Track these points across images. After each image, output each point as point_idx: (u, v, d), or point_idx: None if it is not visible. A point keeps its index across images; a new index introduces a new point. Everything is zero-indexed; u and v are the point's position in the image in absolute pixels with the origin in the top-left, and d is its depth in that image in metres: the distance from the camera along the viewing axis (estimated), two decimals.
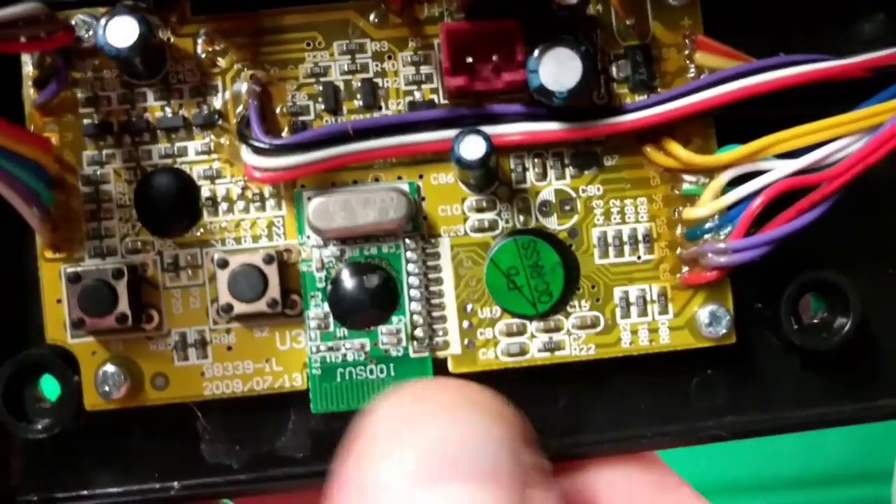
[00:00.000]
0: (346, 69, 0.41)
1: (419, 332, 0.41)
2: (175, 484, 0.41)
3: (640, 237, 0.41)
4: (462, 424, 0.34)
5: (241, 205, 0.41)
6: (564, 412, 0.42)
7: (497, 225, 0.41)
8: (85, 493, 0.42)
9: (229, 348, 0.41)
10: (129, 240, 0.41)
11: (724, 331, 0.41)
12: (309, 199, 0.40)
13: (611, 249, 0.41)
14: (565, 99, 0.38)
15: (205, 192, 0.41)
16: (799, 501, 0.85)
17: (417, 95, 0.41)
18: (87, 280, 0.40)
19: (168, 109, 0.41)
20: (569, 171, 0.41)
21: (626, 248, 0.41)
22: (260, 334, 0.41)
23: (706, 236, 0.41)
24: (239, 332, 0.41)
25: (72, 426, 0.41)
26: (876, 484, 0.82)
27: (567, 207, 0.41)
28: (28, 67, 0.41)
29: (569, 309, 0.41)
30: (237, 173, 0.41)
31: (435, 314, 0.41)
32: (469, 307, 0.41)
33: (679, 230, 0.41)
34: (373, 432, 0.34)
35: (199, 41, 0.41)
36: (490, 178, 0.41)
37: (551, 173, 0.41)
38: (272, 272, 0.40)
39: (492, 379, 0.41)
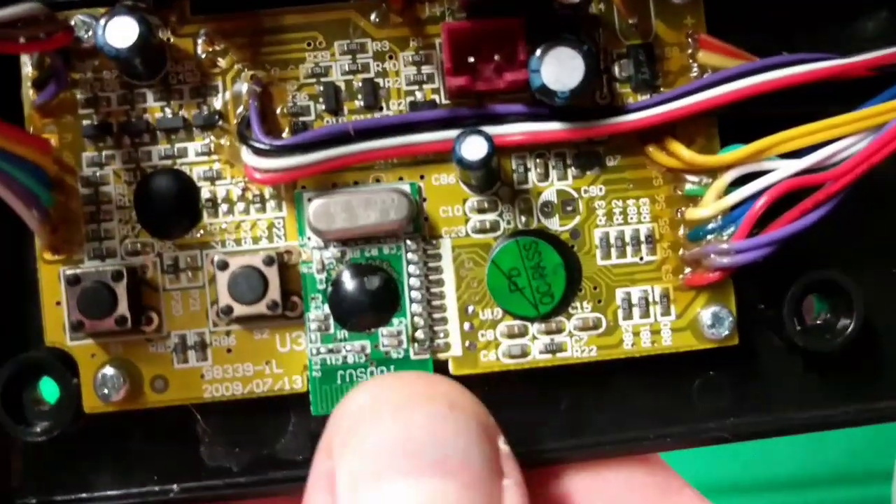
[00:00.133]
0: (347, 69, 0.41)
1: (420, 334, 0.41)
2: (174, 487, 0.41)
3: (642, 238, 0.41)
4: (423, 418, 0.35)
5: (241, 206, 0.41)
6: (566, 414, 0.42)
7: (498, 226, 0.41)
8: (84, 495, 0.41)
9: (229, 350, 0.41)
10: (128, 241, 0.41)
11: (726, 332, 0.41)
12: (309, 200, 0.40)
13: (613, 250, 0.41)
14: (567, 99, 0.38)
15: (205, 194, 0.41)
16: (799, 502, 0.85)
17: (419, 95, 0.41)
18: (87, 282, 0.40)
19: (168, 110, 0.41)
20: (571, 171, 0.41)
21: (629, 249, 0.41)
22: (260, 336, 0.41)
23: (709, 237, 0.41)
24: (239, 335, 0.41)
25: (71, 429, 0.41)
26: (876, 484, 0.82)
27: (569, 208, 0.41)
28: (27, 68, 0.41)
29: (570, 310, 0.41)
30: (237, 174, 0.41)
31: (436, 316, 0.41)
32: (470, 309, 0.41)
33: (682, 231, 0.41)
34: (338, 428, 0.35)
35: (200, 41, 0.41)
36: (492, 179, 0.41)
37: (553, 174, 0.41)
38: (272, 274, 0.40)
39: (493, 381, 0.41)
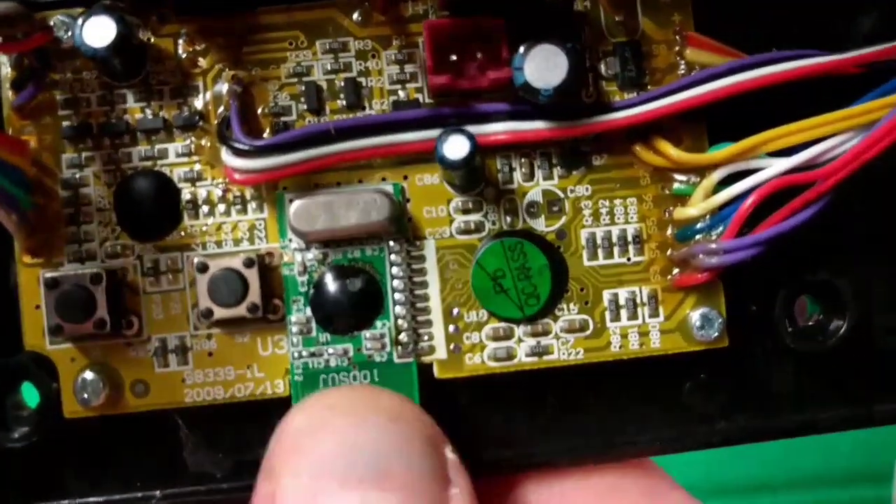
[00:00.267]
0: (328, 68, 0.41)
1: (404, 337, 0.40)
2: (157, 493, 0.40)
3: (629, 238, 0.40)
4: (364, 432, 0.34)
5: (222, 207, 0.40)
6: (553, 418, 0.41)
7: (483, 226, 0.40)
8: (65, 502, 0.41)
9: (210, 354, 0.40)
10: (108, 244, 0.40)
11: (716, 334, 0.40)
12: (291, 201, 0.39)
13: (600, 251, 0.40)
14: (551, 96, 0.37)
15: (185, 195, 0.40)
16: (798, 502, 0.84)
17: (402, 94, 0.41)
18: (65, 285, 0.39)
19: (148, 111, 0.41)
20: (557, 170, 0.41)
21: (616, 250, 0.40)
22: (241, 340, 0.40)
23: (697, 237, 0.40)
24: (220, 338, 0.40)
25: (51, 434, 0.40)
26: (876, 485, 0.81)
27: (555, 208, 0.41)
28: (5, 69, 0.40)
29: (557, 312, 0.40)
30: (218, 175, 0.40)
31: (420, 318, 0.40)
32: (455, 311, 0.40)
33: (670, 231, 0.41)
34: (279, 448, 0.35)
35: (180, 41, 0.41)
36: (475, 179, 0.40)
37: (539, 173, 0.41)
38: (252, 276, 0.39)
39: (478, 384, 0.41)
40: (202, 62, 0.41)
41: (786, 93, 0.40)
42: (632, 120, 0.39)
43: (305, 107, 0.40)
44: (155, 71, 0.41)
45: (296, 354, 0.40)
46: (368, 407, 0.36)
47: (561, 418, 0.41)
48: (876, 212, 0.42)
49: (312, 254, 0.40)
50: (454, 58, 0.39)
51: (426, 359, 0.40)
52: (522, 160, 0.41)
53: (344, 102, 0.40)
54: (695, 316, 0.40)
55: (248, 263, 0.39)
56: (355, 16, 0.41)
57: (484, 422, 0.41)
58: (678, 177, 0.40)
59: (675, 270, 0.40)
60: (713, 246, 0.39)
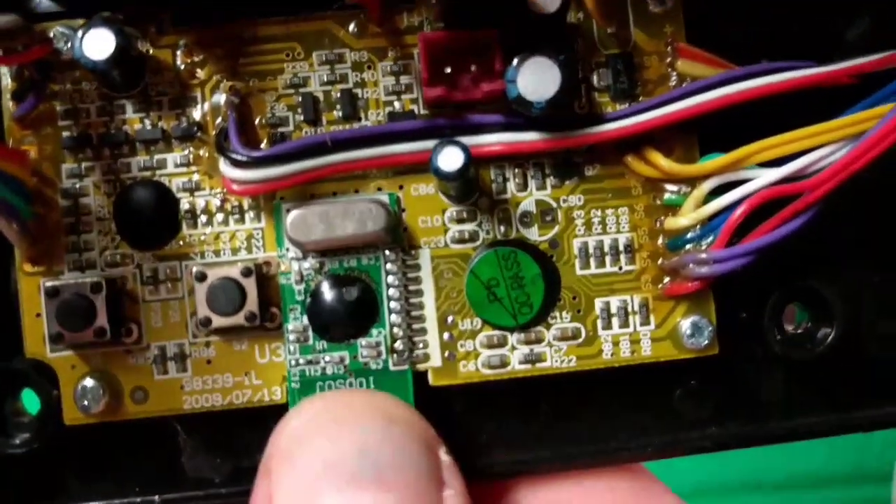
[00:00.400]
0: (325, 80, 0.41)
1: (399, 345, 0.41)
2: (156, 498, 0.41)
3: (621, 247, 0.41)
4: (360, 433, 0.35)
5: (220, 217, 0.41)
6: (546, 424, 0.42)
7: (477, 236, 0.41)
8: None
9: (209, 362, 0.41)
10: (108, 253, 0.41)
11: (706, 342, 0.40)
12: (288, 210, 0.40)
13: (592, 260, 0.41)
14: (543, 109, 0.38)
15: (184, 205, 0.41)
16: (798, 502, 0.85)
17: (397, 105, 0.41)
18: (66, 294, 0.40)
19: (147, 122, 0.41)
20: (549, 181, 0.41)
21: (608, 259, 0.41)
22: (239, 347, 0.41)
23: (688, 246, 0.40)
24: (218, 346, 0.41)
25: (52, 441, 0.41)
26: (876, 485, 0.82)
27: (548, 218, 0.41)
28: (6, 80, 0.41)
29: (550, 320, 0.41)
30: (216, 185, 0.41)
31: (415, 326, 0.41)
32: (449, 319, 0.41)
33: (661, 240, 0.41)
34: (276, 448, 0.36)
35: (178, 53, 0.41)
36: (470, 189, 0.41)
37: (532, 183, 0.41)
38: (250, 285, 0.40)
39: (473, 391, 0.41)
40: (200, 73, 0.41)
41: (777, 103, 0.40)
42: (623, 132, 0.40)
43: (302, 118, 0.41)
44: (154, 82, 0.41)
45: (293, 362, 0.40)
46: (364, 409, 0.37)
47: (554, 425, 0.42)
48: (864, 220, 0.42)
49: (309, 263, 0.41)
50: (449, 70, 0.39)
51: (421, 366, 0.41)
52: (516, 170, 0.41)
53: (340, 113, 0.41)
54: (685, 324, 0.41)
55: (246, 273, 0.40)
56: (351, 27, 0.41)
57: (478, 428, 0.41)
58: (669, 187, 0.41)
59: (666, 279, 0.41)
60: (703, 256, 0.39)
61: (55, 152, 0.41)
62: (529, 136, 0.40)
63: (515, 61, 0.38)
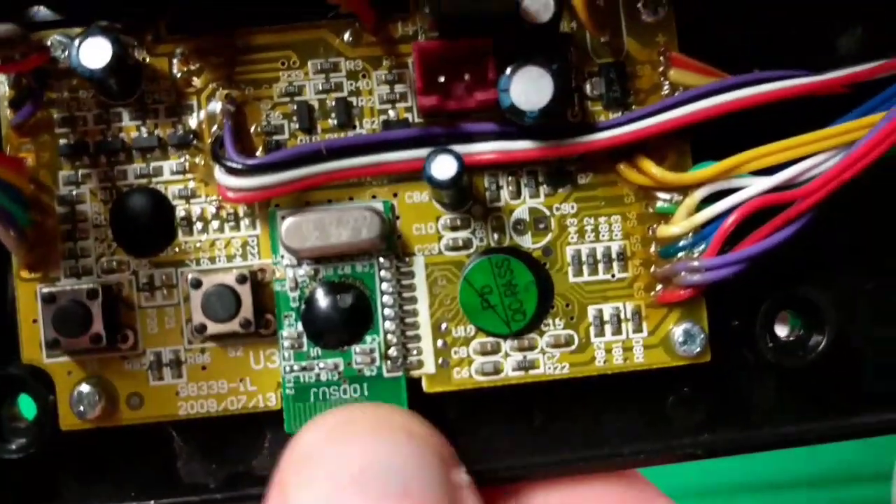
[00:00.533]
0: (320, 88, 0.41)
1: (393, 352, 0.41)
2: (151, 502, 0.41)
3: (614, 255, 0.41)
4: (382, 447, 0.35)
5: (215, 224, 0.41)
6: (539, 430, 0.42)
7: (471, 243, 0.41)
8: None
9: (204, 368, 0.41)
10: (104, 259, 0.41)
11: (698, 349, 0.41)
12: (283, 218, 0.40)
13: (585, 267, 0.41)
14: (536, 118, 0.38)
15: (180, 212, 0.41)
16: (798, 502, 0.85)
17: (392, 114, 0.41)
18: (62, 300, 0.40)
19: (143, 129, 0.41)
20: (543, 189, 0.41)
21: (601, 266, 0.41)
22: (234, 354, 0.41)
23: (680, 254, 0.41)
24: (213, 352, 0.41)
25: (48, 446, 0.41)
26: (876, 484, 0.82)
27: (541, 225, 0.41)
28: (4, 88, 0.41)
29: (543, 327, 0.41)
30: (212, 193, 0.41)
31: (409, 333, 0.41)
32: (443, 326, 0.41)
33: (653, 248, 0.41)
34: (292, 462, 0.36)
35: (175, 61, 0.41)
36: (463, 197, 0.41)
37: (525, 191, 0.41)
38: (245, 292, 0.40)
39: (466, 397, 0.41)
40: (196, 81, 0.41)
41: (769, 111, 0.40)
42: (616, 140, 0.40)
43: (297, 126, 0.41)
44: (150, 90, 0.41)
45: (287, 368, 0.41)
46: (384, 423, 0.37)
47: (547, 431, 0.42)
48: (855, 228, 0.42)
49: (304, 270, 0.41)
50: (442, 79, 0.40)
51: (415, 373, 0.41)
52: (509, 178, 0.41)
53: (335, 122, 0.41)
54: (678, 331, 0.41)
55: (241, 280, 0.40)
56: (346, 36, 0.41)
57: (472, 435, 0.42)
58: (661, 195, 0.41)
59: (659, 287, 0.41)
60: (695, 264, 0.40)
61: (52, 159, 0.41)
62: (523, 145, 0.40)
63: (508, 71, 0.38)
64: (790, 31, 0.42)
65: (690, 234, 0.40)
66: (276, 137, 0.41)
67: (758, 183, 0.40)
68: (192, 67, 0.41)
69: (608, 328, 0.41)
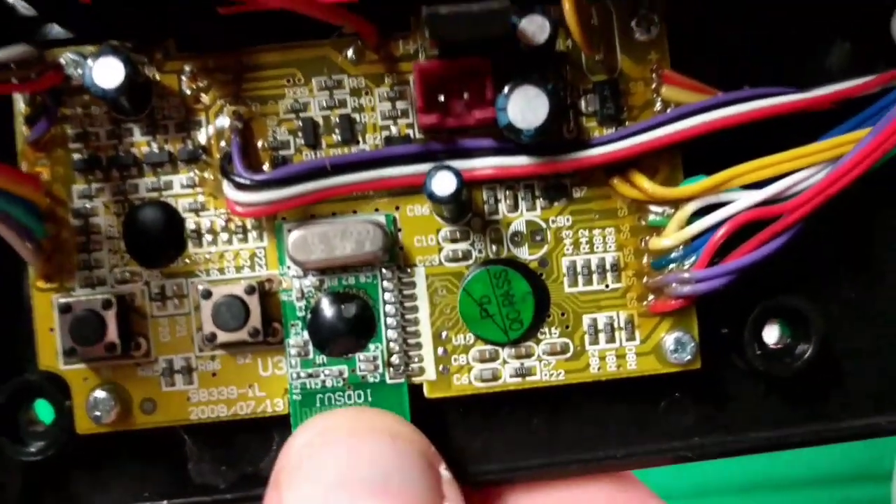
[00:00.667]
0: (324, 105, 0.43)
1: (395, 359, 0.42)
2: (164, 503, 0.43)
3: (608, 266, 0.43)
4: (367, 448, 0.37)
5: (224, 236, 0.43)
6: (536, 434, 0.43)
7: (470, 255, 0.43)
8: None
9: (214, 374, 0.43)
10: (117, 270, 0.43)
11: (689, 357, 0.42)
12: (289, 231, 0.42)
13: (580, 278, 0.43)
14: (532, 136, 0.39)
15: (190, 225, 0.43)
16: (798, 502, 0.86)
17: (394, 130, 0.43)
18: (78, 311, 0.42)
19: (154, 145, 0.43)
20: (539, 202, 0.43)
21: (595, 277, 0.43)
22: (243, 361, 0.43)
23: (671, 266, 0.42)
24: (223, 359, 0.43)
25: (65, 449, 0.43)
26: (876, 485, 0.83)
27: (538, 238, 0.43)
28: (20, 105, 0.42)
29: (539, 336, 0.43)
30: (220, 206, 0.43)
31: (410, 341, 0.43)
32: (443, 334, 0.43)
33: (646, 259, 0.43)
34: (286, 462, 0.38)
35: (184, 78, 0.43)
36: (463, 211, 0.42)
37: (522, 205, 0.43)
38: (254, 302, 0.42)
39: (465, 403, 0.43)
40: (205, 98, 0.43)
41: (760, 126, 0.41)
42: (610, 156, 0.41)
43: (303, 141, 0.43)
44: (160, 107, 0.43)
45: (294, 375, 0.42)
46: (370, 426, 0.39)
47: (543, 435, 0.43)
48: (840, 240, 0.44)
49: (310, 280, 0.42)
50: (442, 98, 0.41)
51: (416, 379, 0.43)
52: (507, 192, 0.43)
53: (339, 137, 0.43)
54: (669, 340, 0.42)
55: (250, 290, 0.42)
56: (349, 54, 0.43)
57: (471, 438, 0.43)
58: (653, 208, 0.42)
59: (651, 297, 0.43)
60: (686, 275, 0.41)
61: (66, 174, 0.43)
62: (519, 161, 0.42)
63: (506, 90, 0.39)
64: (780, 47, 0.44)
65: (681, 247, 0.42)
66: (282, 152, 0.43)
67: (746, 197, 0.41)
68: (201, 84, 0.43)
69: (602, 337, 0.43)
